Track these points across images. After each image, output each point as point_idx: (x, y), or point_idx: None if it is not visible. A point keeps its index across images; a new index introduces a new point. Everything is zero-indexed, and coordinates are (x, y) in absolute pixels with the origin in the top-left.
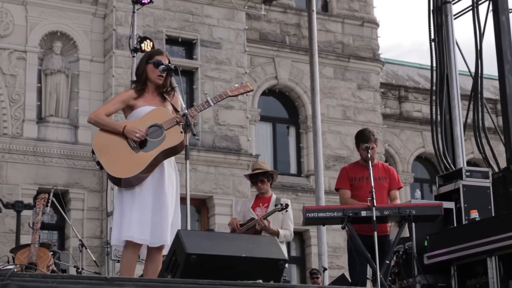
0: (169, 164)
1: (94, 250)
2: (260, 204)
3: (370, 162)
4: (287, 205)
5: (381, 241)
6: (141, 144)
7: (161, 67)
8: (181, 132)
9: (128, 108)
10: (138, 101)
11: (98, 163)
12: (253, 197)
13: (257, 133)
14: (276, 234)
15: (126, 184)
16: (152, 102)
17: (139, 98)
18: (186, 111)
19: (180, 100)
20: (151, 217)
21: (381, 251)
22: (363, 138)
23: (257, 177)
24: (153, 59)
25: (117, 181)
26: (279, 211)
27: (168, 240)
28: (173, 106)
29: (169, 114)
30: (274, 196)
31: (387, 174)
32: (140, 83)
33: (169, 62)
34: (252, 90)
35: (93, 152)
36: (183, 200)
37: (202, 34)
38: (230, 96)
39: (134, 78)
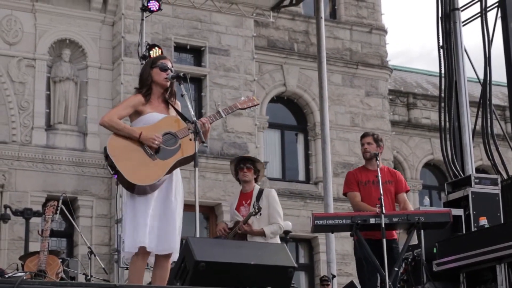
0: (176, 173)
1: (102, 257)
2: (243, 202)
3: (370, 162)
4: (260, 208)
5: (388, 245)
6: (156, 151)
7: (170, 74)
8: (190, 140)
9: (135, 114)
10: (146, 107)
11: (112, 167)
12: (237, 194)
13: (265, 140)
14: (262, 234)
15: (140, 191)
16: (158, 108)
17: (147, 104)
18: (195, 118)
19: (189, 106)
20: (158, 225)
21: (389, 256)
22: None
23: (245, 162)
24: (157, 63)
25: (131, 187)
26: (253, 215)
27: (176, 248)
28: (176, 111)
29: (182, 123)
30: (256, 189)
31: (393, 178)
32: (145, 88)
33: (172, 66)
34: (258, 104)
35: (106, 157)
36: (191, 207)
37: (210, 41)
38: (239, 108)
39: (137, 86)
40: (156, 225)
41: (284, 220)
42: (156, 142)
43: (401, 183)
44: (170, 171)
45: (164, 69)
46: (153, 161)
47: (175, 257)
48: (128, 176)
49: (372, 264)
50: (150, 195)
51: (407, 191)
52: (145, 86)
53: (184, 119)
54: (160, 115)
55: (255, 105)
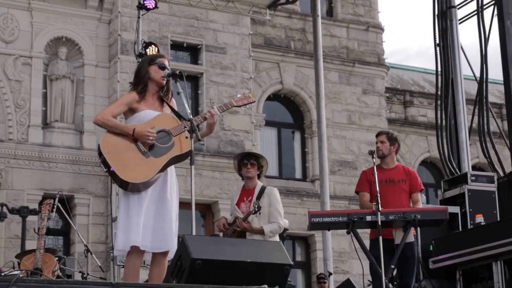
0: (171, 171)
1: (99, 255)
2: (245, 199)
3: (377, 157)
4: (259, 207)
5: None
6: (149, 148)
7: (166, 72)
8: (186, 138)
9: (129, 111)
10: (141, 105)
11: (106, 165)
12: (238, 189)
13: (262, 138)
14: (261, 232)
15: (134, 189)
16: (153, 106)
17: (141, 101)
18: (191, 116)
19: (185, 104)
20: (153, 223)
21: (403, 256)
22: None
23: (249, 158)
24: (156, 61)
25: (124, 185)
26: (253, 213)
27: (172, 246)
28: (171, 109)
29: (176, 121)
30: (259, 186)
31: (407, 176)
32: (141, 86)
33: (169, 65)
34: (254, 102)
35: (100, 154)
36: (188, 205)
37: (207, 39)
38: (235, 106)
39: (132, 81)
40: (150, 224)
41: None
42: (151, 138)
43: (415, 182)
44: (164, 169)
45: (163, 67)
46: (146, 158)
47: (172, 255)
48: (121, 173)
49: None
50: (144, 193)
51: (421, 191)
52: (141, 83)
53: (179, 116)
54: (155, 112)
55: (251, 103)
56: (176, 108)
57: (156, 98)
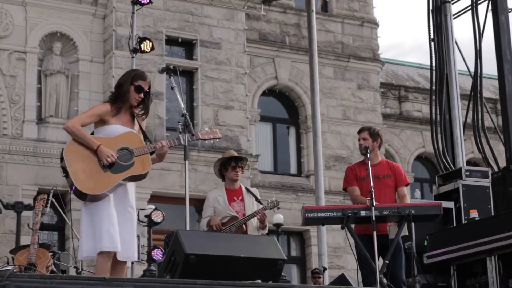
0: (131, 184)
1: None
2: (235, 198)
3: (366, 156)
4: (278, 202)
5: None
6: (110, 163)
7: (161, 67)
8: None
9: (100, 122)
10: (112, 118)
11: (65, 171)
12: (221, 190)
13: (257, 134)
14: (266, 226)
15: (91, 199)
16: (122, 120)
17: (114, 115)
18: (185, 111)
19: (179, 99)
20: (119, 232)
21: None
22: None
23: (238, 162)
24: (136, 82)
25: (81, 195)
26: (270, 208)
27: (135, 257)
28: (140, 127)
29: (141, 141)
30: (243, 187)
31: (392, 171)
32: (119, 102)
33: (149, 88)
34: (220, 138)
35: (62, 158)
36: (182, 200)
37: (201, 34)
38: (200, 139)
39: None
40: (118, 231)
41: (275, 213)
42: (109, 159)
43: (400, 176)
44: (119, 185)
45: (139, 91)
46: (104, 172)
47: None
48: (76, 181)
49: (365, 258)
50: (105, 202)
51: (407, 185)
52: (119, 100)
53: (145, 137)
54: (123, 128)
55: (216, 138)
56: (144, 126)
57: (129, 113)
